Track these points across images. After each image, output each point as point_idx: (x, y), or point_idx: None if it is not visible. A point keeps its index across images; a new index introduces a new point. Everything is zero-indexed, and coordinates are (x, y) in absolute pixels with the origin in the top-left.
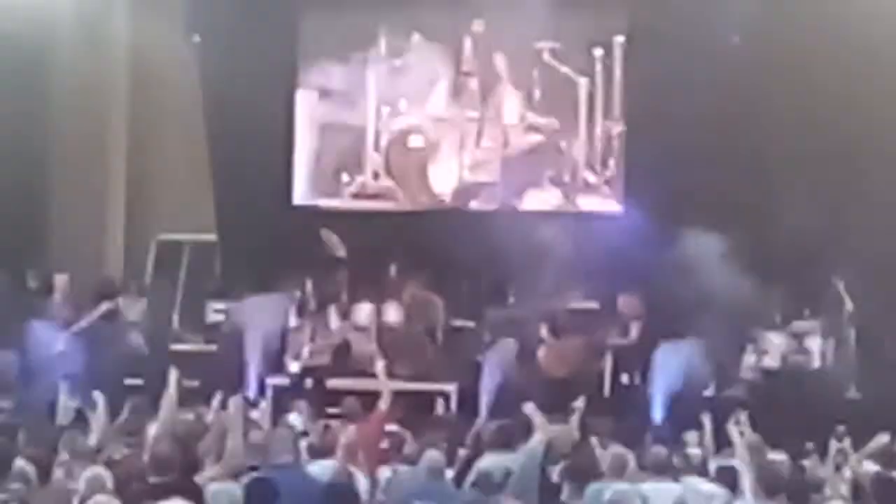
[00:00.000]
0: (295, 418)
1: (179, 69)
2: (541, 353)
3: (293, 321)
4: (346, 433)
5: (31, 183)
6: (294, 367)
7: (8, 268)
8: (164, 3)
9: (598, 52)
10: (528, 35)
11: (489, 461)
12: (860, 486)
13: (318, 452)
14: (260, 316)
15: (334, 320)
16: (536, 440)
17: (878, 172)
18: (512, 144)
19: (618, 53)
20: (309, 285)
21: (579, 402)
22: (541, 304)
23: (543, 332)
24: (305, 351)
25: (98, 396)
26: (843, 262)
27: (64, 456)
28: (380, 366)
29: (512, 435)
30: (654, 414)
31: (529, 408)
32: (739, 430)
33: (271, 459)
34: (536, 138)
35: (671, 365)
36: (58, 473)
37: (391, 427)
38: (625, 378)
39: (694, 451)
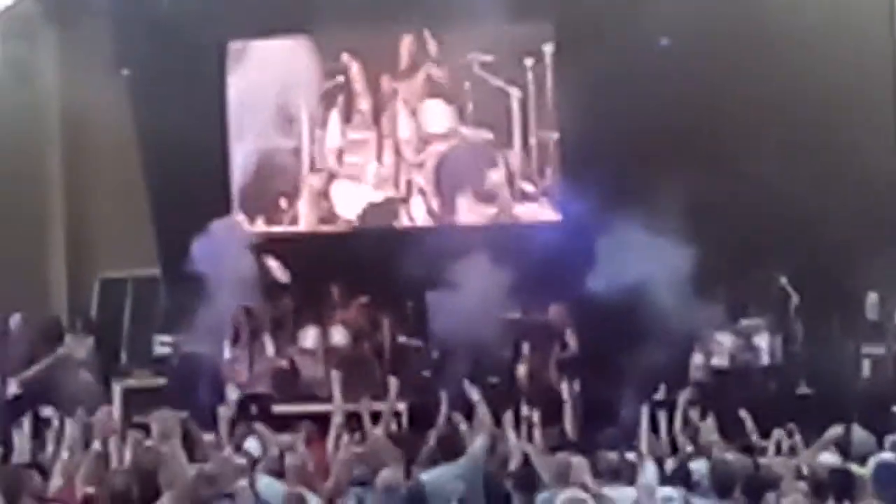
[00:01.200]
0: (252, 444)
1: (111, 103)
2: (520, 370)
3: (227, 352)
4: (299, 457)
5: None
6: (233, 395)
7: None
8: (91, 37)
9: (529, 61)
10: (459, 48)
11: (431, 474)
12: (818, 479)
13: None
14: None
15: (270, 347)
16: (478, 445)
17: (816, 164)
18: (440, 159)
19: (548, 62)
20: (242, 313)
21: (535, 415)
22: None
23: (525, 348)
24: (245, 379)
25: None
26: (788, 257)
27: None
28: (336, 382)
29: (455, 444)
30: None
31: (476, 396)
32: (695, 427)
33: (225, 488)
34: (459, 151)
35: None
36: None
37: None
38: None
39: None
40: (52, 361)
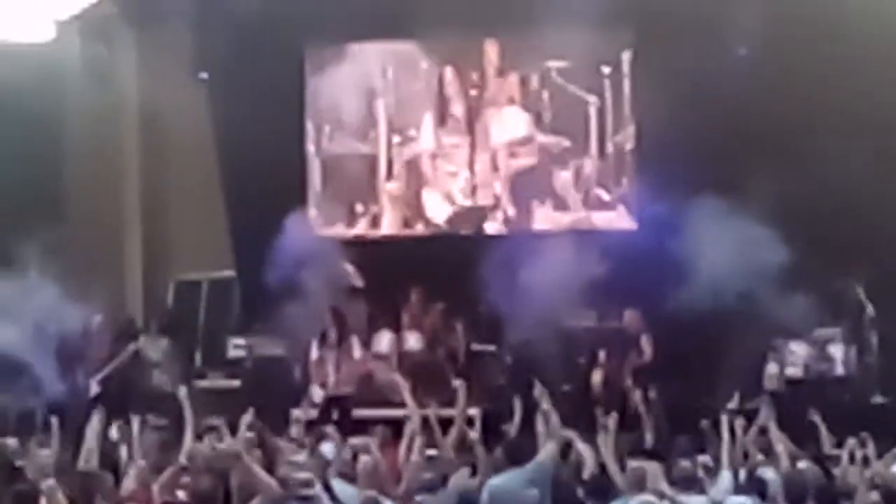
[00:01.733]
0: (327, 448)
1: (189, 106)
2: (595, 376)
3: (315, 352)
4: (374, 461)
5: (46, 228)
6: (317, 397)
7: None
8: (170, 40)
9: (607, 69)
10: (537, 55)
11: (499, 479)
12: (891, 490)
13: (348, 481)
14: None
15: (357, 350)
16: (547, 452)
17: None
18: (518, 166)
19: (626, 69)
20: (329, 316)
21: (611, 421)
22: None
23: (601, 355)
24: (331, 381)
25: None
26: (863, 267)
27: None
28: (406, 391)
29: (521, 451)
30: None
31: (547, 405)
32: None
33: (300, 491)
34: (536, 159)
35: None
36: None
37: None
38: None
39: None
40: (123, 359)
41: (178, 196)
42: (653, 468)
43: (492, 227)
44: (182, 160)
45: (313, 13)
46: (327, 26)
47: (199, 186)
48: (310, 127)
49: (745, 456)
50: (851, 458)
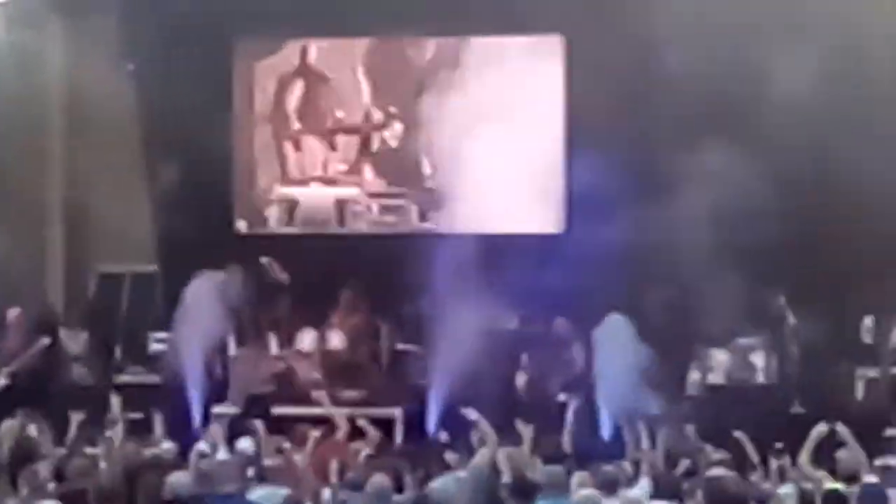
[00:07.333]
0: (245, 444)
1: (115, 97)
2: (519, 380)
3: (233, 350)
4: (304, 459)
5: None
6: (237, 394)
7: None
8: (97, 30)
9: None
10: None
11: (437, 483)
12: (808, 499)
13: (267, 479)
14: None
15: (275, 347)
16: (482, 456)
17: (824, 185)
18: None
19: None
20: (247, 313)
21: (528, 428)
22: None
23: (524, 358)
24: (249, 379)
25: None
26: (786, 277)
27: (23, 491)
28: (323, 396)
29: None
30: (601, 432)
31: (475, 416)
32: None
33: (218, 488)
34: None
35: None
36: None
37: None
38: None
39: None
40: (34, 352)
41: (102, 188)
42: (581, 474)
43: (419, 225)
44: (107, 151)
45: (243, 4)
46: (258, 18)
47: (124, 178)
48: (236, 118)
49: (668, 461)
50: (770, 467)
